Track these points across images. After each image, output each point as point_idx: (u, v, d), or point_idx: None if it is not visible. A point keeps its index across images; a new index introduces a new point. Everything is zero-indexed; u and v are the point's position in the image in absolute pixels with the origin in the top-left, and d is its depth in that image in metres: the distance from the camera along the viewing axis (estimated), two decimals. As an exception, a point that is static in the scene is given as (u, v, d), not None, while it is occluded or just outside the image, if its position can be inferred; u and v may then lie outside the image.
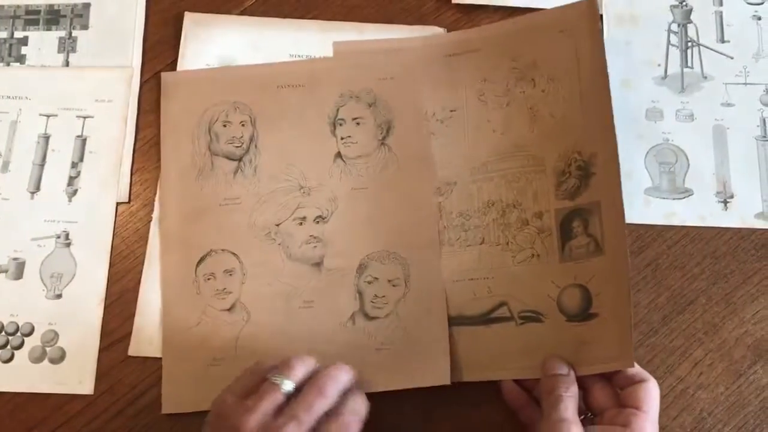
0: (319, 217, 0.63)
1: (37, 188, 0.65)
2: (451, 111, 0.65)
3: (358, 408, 0.51)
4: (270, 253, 0.62)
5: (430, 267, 0.61)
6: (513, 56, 0.64)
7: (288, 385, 0.50)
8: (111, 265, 0.63)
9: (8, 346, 0.61)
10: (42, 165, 0.65)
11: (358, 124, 0.65)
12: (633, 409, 0.51)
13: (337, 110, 0.65)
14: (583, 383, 0.54)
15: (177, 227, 0.63)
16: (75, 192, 0.65)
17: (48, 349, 0.61)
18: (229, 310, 0.61)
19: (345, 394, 0.51)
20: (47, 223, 0.64)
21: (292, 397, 0.50)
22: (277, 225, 0.63)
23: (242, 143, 0.65)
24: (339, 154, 0.64)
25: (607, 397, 0.54)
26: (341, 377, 0.51)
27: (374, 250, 0.62)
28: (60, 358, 0.61)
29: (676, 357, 0.60)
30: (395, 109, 0.65)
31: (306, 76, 0.66)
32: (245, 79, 0.66)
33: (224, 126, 0.65)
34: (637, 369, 0.54)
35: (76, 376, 0.60)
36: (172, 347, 0.60)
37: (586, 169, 0.59)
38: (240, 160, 0.64)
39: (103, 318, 0.61)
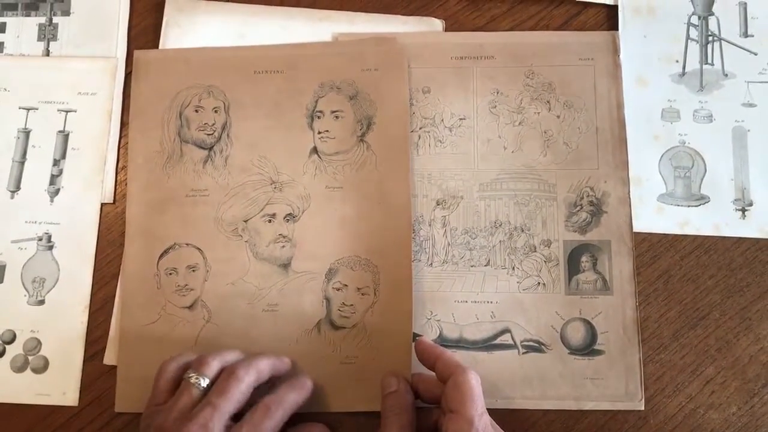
0: (290, 215, 0.60)
1: (18, 187, 0.62)
2: (461, 119, 0.62)
3: (287, 397, 0.51)
4: (236, 250, 0.59)
5: (401, 277, 0.58)
6: (528, 72, 0.62)
7: (202, 381, 0.50)
8: (96, 270, 0.60)
9: (-11, 355, 0.59)
10: (22, 162, 0.62)
11: (337, 117, 0.61)
12: (449, 413, 0.48)
13: (316, 101, 0.62)
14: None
15: (141, 217, 0.60)
16: (57, 191, 0.61)
17: (30, 357, 0.58)
18: (189, 308, 0.59)
19: (281, 385, 0.52)
20: (28, 225, 0.61)
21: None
22: (245, 221, 0.60)
23: (214, 131, 0.62)
24: (315, 150, 0.61)
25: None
26: (258, 364, 0.51)
27: (345, 254, 0.59)
28: (43, 367, 0.58)
29: (686, 375, 0.57)
30: (377, 104, 0.61)
31: (285, 62, 0.62)
32: (221, 62, 0.63)
33: (196, 111, 0.62)
34: (447, 359, 0.50)
35: (60, 387, 0.58)
36: (129, 344, 0.58)
37: (597, 206, 0.59)
38: (211, 149, 0.61)
39: (88, 325, 0.59)
